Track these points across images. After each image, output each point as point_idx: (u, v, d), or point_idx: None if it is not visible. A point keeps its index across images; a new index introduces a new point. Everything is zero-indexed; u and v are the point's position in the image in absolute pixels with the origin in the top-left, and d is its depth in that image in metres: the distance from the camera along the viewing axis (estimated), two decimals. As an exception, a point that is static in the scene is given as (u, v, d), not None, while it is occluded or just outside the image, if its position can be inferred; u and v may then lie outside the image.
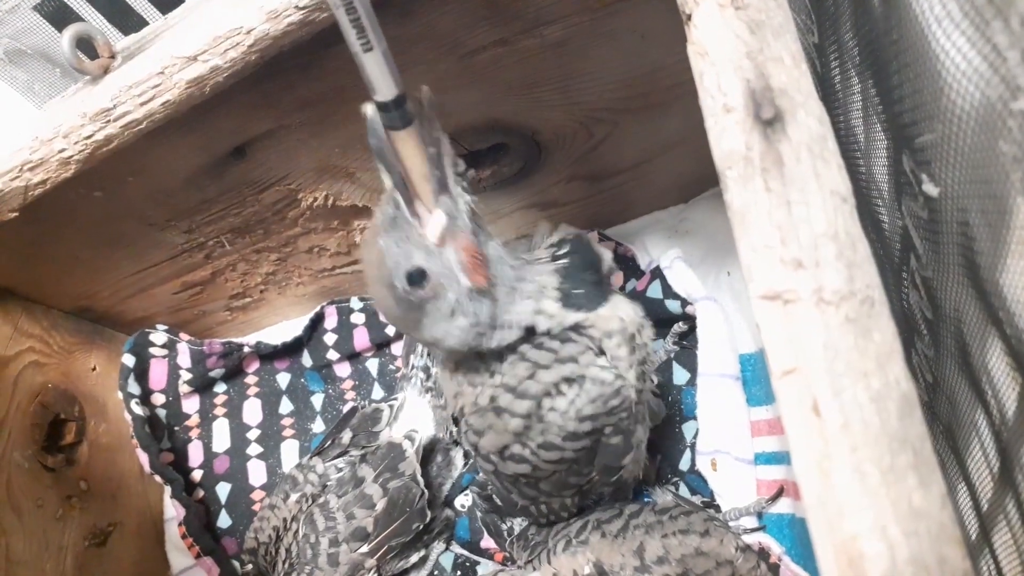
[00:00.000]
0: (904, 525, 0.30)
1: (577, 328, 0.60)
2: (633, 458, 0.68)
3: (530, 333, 0.60)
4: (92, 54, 0.61)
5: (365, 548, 0.82)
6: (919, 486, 0.30)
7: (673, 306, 0.83)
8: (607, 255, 0.66)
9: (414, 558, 0.86)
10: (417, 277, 0.53)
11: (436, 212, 0.52)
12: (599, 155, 0.78)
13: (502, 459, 0.66)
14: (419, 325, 0.57)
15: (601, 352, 0.61)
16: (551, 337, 0.61)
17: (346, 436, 0.92)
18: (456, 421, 0.69)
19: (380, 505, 0.83)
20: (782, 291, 0.35)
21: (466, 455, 0.92)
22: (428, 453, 0.91)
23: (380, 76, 0.47)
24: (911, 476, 0.31)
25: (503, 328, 0.58)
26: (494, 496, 0.83)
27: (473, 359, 0.63)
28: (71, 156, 0.61)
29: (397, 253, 0.53)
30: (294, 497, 0.87)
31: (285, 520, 0.86)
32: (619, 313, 0.61)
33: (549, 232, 0.66)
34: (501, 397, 0.62)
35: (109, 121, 0.59)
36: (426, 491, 0.85)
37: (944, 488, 0.30)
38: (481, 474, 0.88)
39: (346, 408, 1.01)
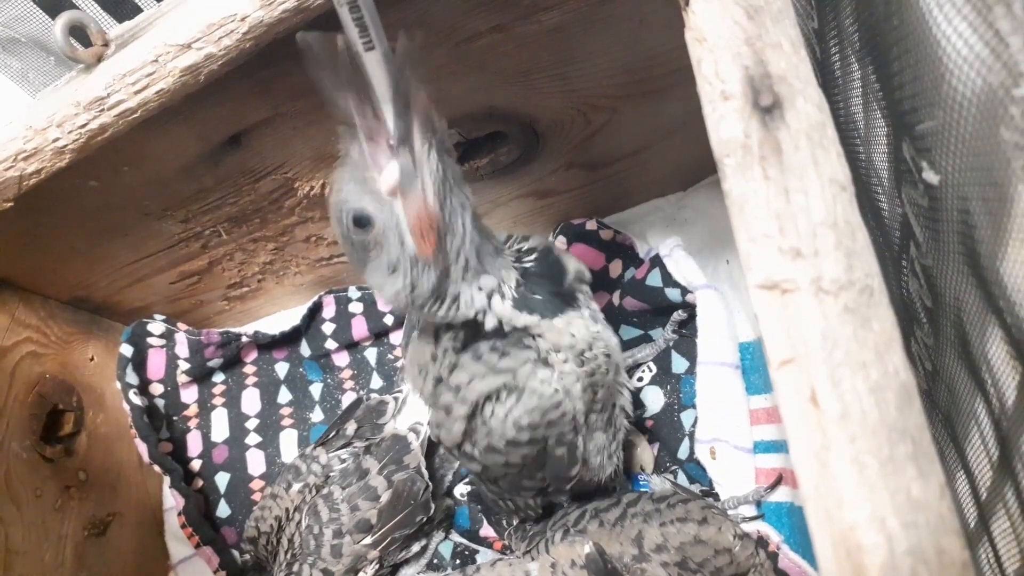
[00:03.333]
0: (903, 516, 0.30)
1: (526, 331, 0.60)
2: (585, 467, 0.68)
3: (477, 327, 0.59)
4: (86, 42, 0.60)
5: (368, 540, 0.82)
6: (918, 477, 0.30)
7: (673, 294, 0.83)
8: (572, 267, 0.65)
9: (415, 548, 0.86)
10: (363, 220, 0.51)
11: (391, 163, 0.49)
12: (597, 143, 0.78)
13: (460, 455, 0.67)
14: (363, 267, 0.56)
15: (546, 363, 0.61)
16: (493, 347, 0.61)
17: (350, 427, 0.92)
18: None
19: (385, 497, 0.83)
20: (780, 280, 0.34)
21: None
22: (431, 445, 0.91)
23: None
24: (910, 467, 0.30)
25: (448, 304, 0.56)
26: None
27: (427, 342, 0.63)
28: (65, 145, 0.60)
29: (350, 190, 0.51)
30: (296, 487, 0.87)
31: (287, 510, 0.86)
32: (571, 329, 0.60)
33: (520, 238, 0.65)
34: (444, 395, 0.63)
35: (103, 110, 0.58)
36: (430, 484, 0.85)
37: (943, 479, 0.30)
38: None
39: (345, 397, 1.00)
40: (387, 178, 0.49)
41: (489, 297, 0.58)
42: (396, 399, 0.95)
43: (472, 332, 0.61)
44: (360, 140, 0.49)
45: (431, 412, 0.68)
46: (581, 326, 0.61)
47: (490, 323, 0.58)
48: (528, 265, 0.61)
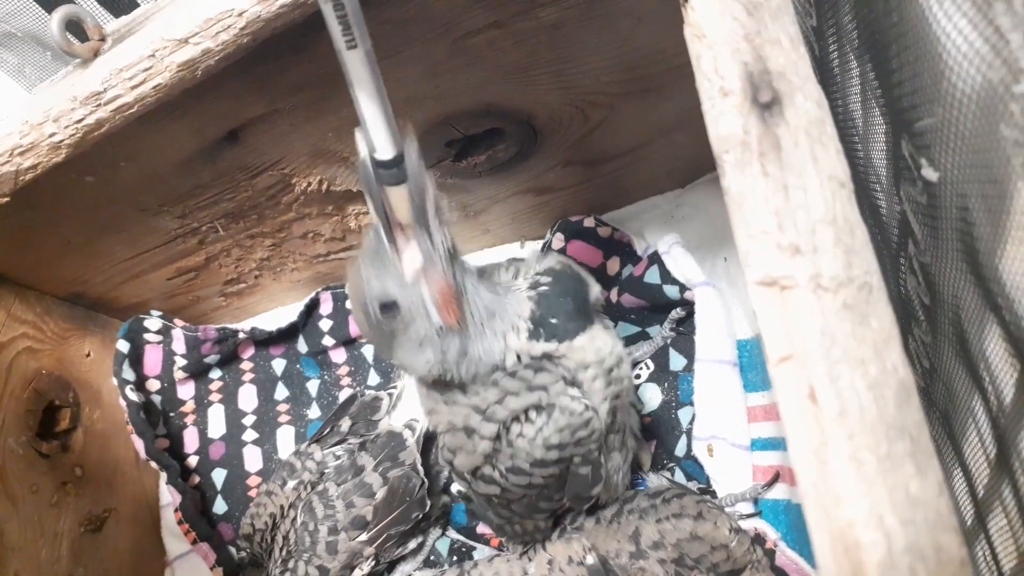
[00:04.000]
0: (901, 513, 0.30)
1: (549, 357, 0.61)
2: (604, 487, 0.68)
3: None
4: (82, 36, 0.60)
5: (364, 536, 0.82)
6: (916, 474, 0.30)
7: (671, 292, 0.83)
8: (595, 288, 0.66)
9: (412, 544, 0.86)
10: (389, 307, 0.55)
11: (412, 251, 0.53)
12: (595, 140, 0.77)
13: (475, 479, 0.67)
14: (391, 350, 0.59)
15: (574, 383, 0.61)
16: (525, 366, 0.61)
17: (345, 424, 0.91)
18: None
19: (380, 494, 0.83)
20: (779, 277, 0.34)
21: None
22: (427, 442, 0.91)
23: (378, 128, 0.46)
24: (908, 464, 0.30)
25: (471, 360, 0.59)
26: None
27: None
28: (62, 141, 0.60)
29: (374, 282, 0.54)
30: (291, 484, 0.87)
31: (282, 507, 0.86)
32: (597, 344, 0.61)
33: (539, 259, 0.66)
34: (471, 417, 0.63)
35: (100, 105, 0.58)
36: (426, 481, 0.85)
37: (941, 476, 0.30)
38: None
39: (342, 394, 1.00)
40: (410, 262, 0.53)
41: (505, 341, 0.60)
42: (391, 395, 0.95)
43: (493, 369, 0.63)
44: (379, 230, 0.52)
45: (443, 436, 0.67)
46: (608, 340, 0.63)
47: (510, 361, 0.60)
48: (544, 289, 0.62)
